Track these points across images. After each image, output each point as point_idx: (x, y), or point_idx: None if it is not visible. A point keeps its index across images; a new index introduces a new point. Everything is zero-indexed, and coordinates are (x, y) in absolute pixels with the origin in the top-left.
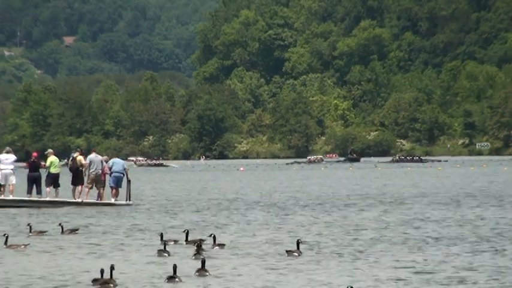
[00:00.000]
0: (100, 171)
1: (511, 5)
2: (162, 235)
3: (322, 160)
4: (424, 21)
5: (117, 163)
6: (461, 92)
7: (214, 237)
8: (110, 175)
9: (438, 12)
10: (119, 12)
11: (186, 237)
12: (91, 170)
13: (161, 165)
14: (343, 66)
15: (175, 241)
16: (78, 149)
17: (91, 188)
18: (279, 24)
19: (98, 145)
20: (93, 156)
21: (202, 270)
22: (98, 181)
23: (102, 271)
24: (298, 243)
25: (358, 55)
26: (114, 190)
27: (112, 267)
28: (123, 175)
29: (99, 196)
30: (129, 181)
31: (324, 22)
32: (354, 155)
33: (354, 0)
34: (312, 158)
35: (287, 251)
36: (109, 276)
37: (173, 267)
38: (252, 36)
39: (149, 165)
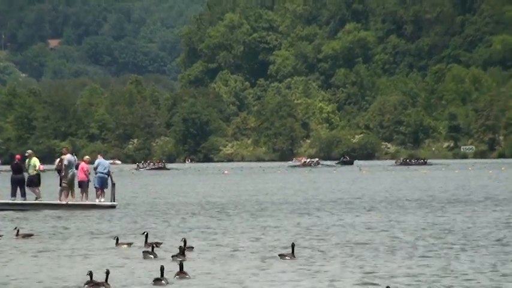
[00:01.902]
0: (76, 171)
1: (495, 8)
2: (117, 238)
3: (319, 163)
4: (409, 24)
5: (102, 164)
6: (446, 94)
7: (185, 241)
8: (95, 175)
9: (423, 15)
10: (103, 15)
11: (146, 239)
12: (69, 171)
13: (163, 168)
14: (328, 69)
15: (129, 244)
16: (65, 150)
17: (67, 189)
18: (264, 28)
19: (83, 148)
20: (69, 156)
21: (181, 273)
22: (72, 181)
23: (90, 274)
24: (293, 247)
25: (342, 58)
26: (99, 191)
27: (108, 272)
28: (108, 176)
29: (72, 196)
30: (113, 184)
31: (308, 25)
32: (347, 158)
33: (338, 4)
34: (308, 160)
35: (279, 255)
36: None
37: (160, 269)
38: (236, 39)
39: (151, 168)
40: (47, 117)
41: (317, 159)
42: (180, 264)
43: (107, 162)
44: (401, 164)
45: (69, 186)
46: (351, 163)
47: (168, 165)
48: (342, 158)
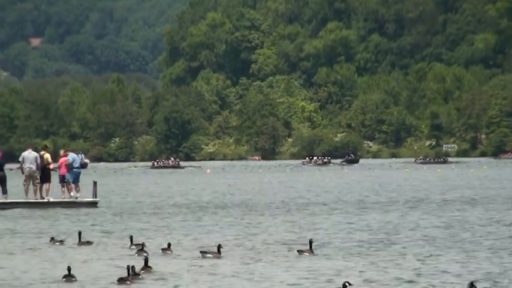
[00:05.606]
0: (34, 167)
1: (477, 6)
2: (52, 238)
3: (330, 162)
4: (391, 23)
5: (76, 159)
6: (428, 93)
7: (131, 238)
8: (70, 170)
9: (405, 14)
10: (85, 14)
11: (79, 237)
12: (25, 167)
13: (178, 166)
14: (310, 68)
15: (61, 241)
16: (46, 147)
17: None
18: (246, 26)
19: (64, 147)
20: (26, 153)
21: (147, 268)
22: (33, 177)
23: (69, 268)
24: (310, 243)
25: (325, 57)
26: (75, 186)
27: (129, 267)
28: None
29: (35, 192)
30: (95, 182)
31: (290, 24)
32: (352, 156)
33: (320, 2)
34: (319, 159)
35: (298, 251)
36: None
37: (132, 268)
38: (218, 38)
39: (165, 166)
40: (28, 116)
41: (328, 157)
42: (145, 260)
43: (78, 157)
44: (421, 163)
45: (28, 181)
46: (357, 161)
47: (182, 164)
48: (347, 157)
